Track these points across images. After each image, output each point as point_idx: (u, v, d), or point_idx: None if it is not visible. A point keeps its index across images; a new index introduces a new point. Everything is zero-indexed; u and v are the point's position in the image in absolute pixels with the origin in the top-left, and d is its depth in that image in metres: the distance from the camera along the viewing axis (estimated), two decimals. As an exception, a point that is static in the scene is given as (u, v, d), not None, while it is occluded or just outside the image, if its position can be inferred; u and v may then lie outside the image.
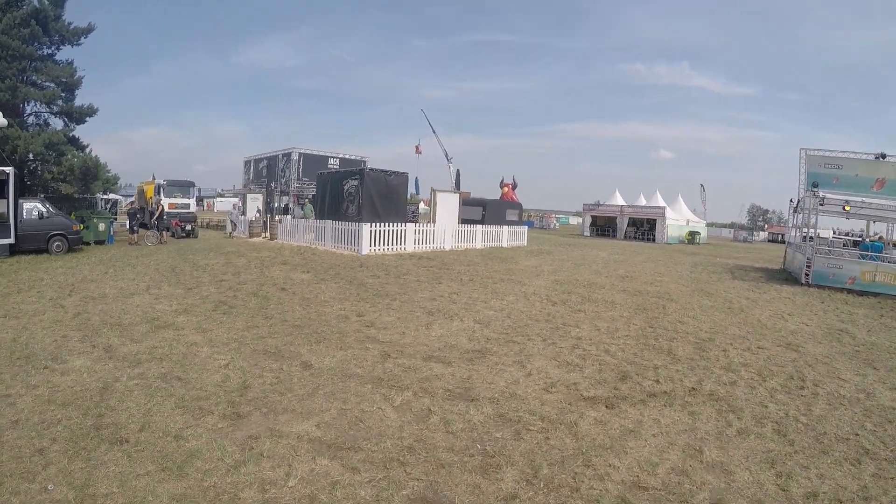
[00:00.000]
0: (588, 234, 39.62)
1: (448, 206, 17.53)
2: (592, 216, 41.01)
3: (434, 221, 16.82)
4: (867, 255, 14.66)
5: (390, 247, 14.82)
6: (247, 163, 29.14)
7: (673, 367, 5.31)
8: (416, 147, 57.42)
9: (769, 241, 67.29)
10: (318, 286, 8.36)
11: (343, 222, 15.32)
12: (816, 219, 15.30)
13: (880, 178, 16.12)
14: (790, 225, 20.95)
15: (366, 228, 14.12)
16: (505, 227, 19.62)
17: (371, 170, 16.02)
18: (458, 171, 26.26)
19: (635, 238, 37.23)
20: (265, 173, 25.65)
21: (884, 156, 16.04)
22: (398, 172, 16.47)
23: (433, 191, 17.93)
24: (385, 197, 15.66)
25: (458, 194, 18.99)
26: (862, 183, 16.10)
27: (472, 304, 7.76)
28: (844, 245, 26.54)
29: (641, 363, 5.38)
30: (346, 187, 16.26)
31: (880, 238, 16.99)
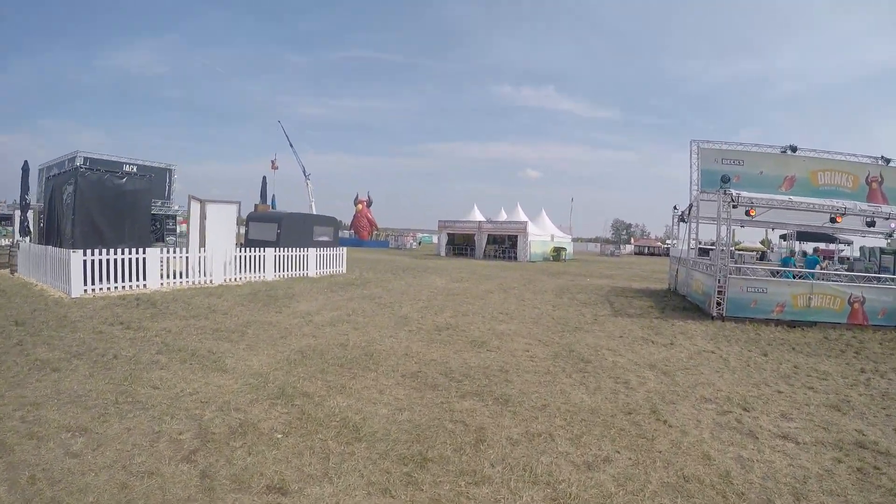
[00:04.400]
0: (444, 254, 38.16)
1: (221, 222, 13.76)
2: (449, 234, 39.41)
3: (203, 245, 13.23)
4: (796, 271, 11.95)
5: (124, 283, 11.04)
6: (40, 171, 22.27)
7: None
8: (273, 162, 52.28)
9: (635, 253, 75.13)
10: None
11: (61, 249, 11.22)
12: (729, 227, 11.79)
13: (790, 175, 13.51)
14: (678, 237, 17.84)
15: (75, 259, 10.18)
16: (312, 251, 16.59)
17: (88, 169, 11.68)
18: (264, 177, 21.75)
19: (496, 257, 36.39)
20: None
21: (794, 148, 13.63)
22: (134, 173, 12.53)
23: (197, 201, 13.43)
24: (112, 209, 11.75)
25: (234, 206, 14.47)
26: (768, 182, 13.40)
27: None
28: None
29: None
30: (64, 196, 11.95)
31: (792, 253, 13.98)
